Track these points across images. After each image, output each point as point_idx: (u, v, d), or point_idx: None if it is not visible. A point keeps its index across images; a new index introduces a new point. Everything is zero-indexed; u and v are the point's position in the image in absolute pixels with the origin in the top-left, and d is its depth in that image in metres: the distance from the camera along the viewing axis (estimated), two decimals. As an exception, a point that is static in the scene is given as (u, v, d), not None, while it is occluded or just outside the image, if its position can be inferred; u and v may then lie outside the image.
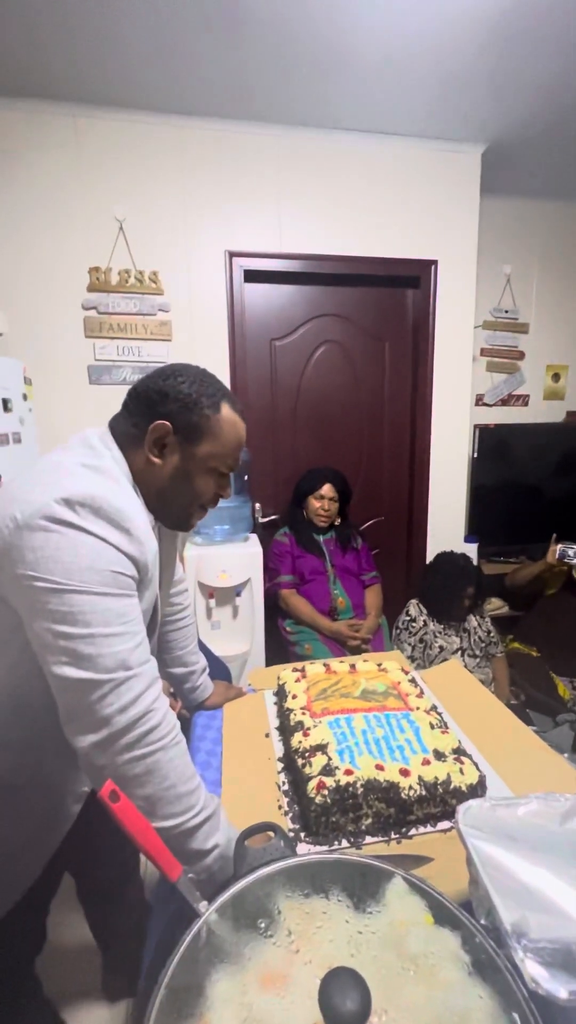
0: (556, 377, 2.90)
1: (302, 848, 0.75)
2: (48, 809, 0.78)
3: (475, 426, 2.60)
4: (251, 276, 2.18)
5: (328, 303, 2.35)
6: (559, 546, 2.17)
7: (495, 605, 2.70)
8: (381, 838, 0.77)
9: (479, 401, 2.79)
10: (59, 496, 0.61)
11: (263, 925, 0.50)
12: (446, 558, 2.25)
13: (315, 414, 2.43)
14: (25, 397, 1.81)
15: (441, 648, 2.15)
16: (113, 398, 2.06)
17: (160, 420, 0.73)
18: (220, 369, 2.16)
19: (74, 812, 0.81)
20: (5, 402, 1.65)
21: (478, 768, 0.83)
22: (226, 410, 0.77)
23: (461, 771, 0.81)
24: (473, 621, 2.21)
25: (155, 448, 0.75)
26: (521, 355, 2.81)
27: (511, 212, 2.69)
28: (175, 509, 0.80)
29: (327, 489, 2.15)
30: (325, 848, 0.75)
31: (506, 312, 2.76)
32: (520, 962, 0.46)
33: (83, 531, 0.61)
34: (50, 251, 1.98)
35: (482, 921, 0.53)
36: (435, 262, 2.30)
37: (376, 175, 2.20)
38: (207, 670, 1.16)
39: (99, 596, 0.61)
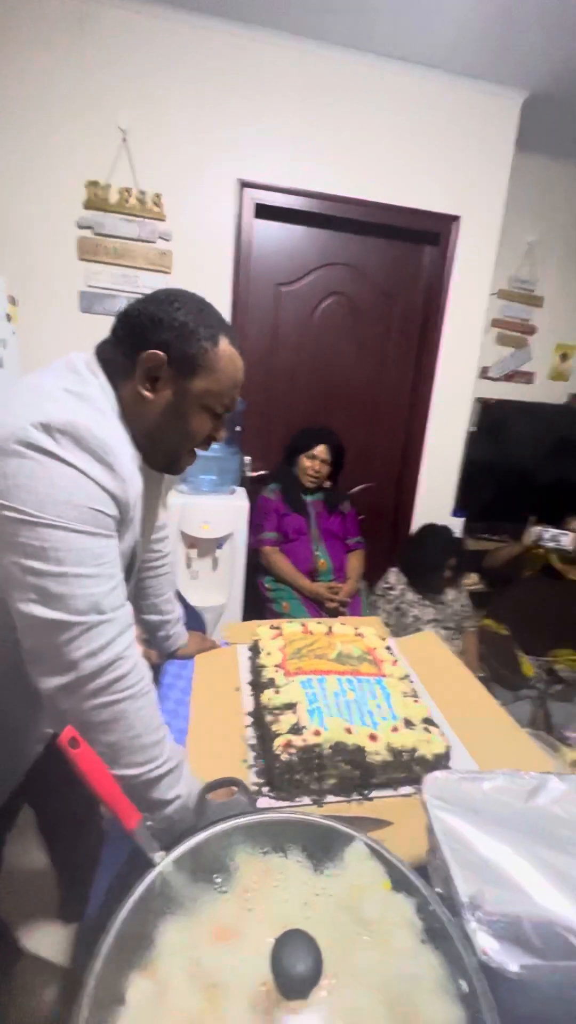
0: (564, 357, 2.83)
1: (264, 802, 0.75)
2: (8, 749, 0.76)
3: (477, 399, 2.54)
4: (262, 212, 2.03)
5: (340, 251, 2.22)
6: (536, 528, 2.17)
7: (472, 580, 2.74)
8: (343, 798, 0.77)
9: (484, 374, 2.71)
10: (37, 420, 0.56)
11: (219, 880, 0.49)
12: (430, 530, 2.25)
13: (316, 368, 2.33)
14: (9, 319, 1.69)
15: (416, 618, 2.17)
16: (106, 329, 1.94)
17: (153, 349, 0.67)
18: (222, 310, 2.04)
19: (35, 752, 0.80)
20: (-13, 321, 1.54)
21: (445, 739, 0.83)
22: (224, 344, 0.71)
23: (429, 741, 0.81)
24: (450, 594, 2.23)
25: (147, 380, 0.68)
26: (532, 330, 2.73)
27: (543, 174, 2.53)
28: (165, 449, 0.74)
29: (321, 450, 2.09)
30: (287, 804, 0.75)
31: (523, 283, 2.64)
32: (472, 933, 0.46)
33: (61, 461, 0.56)
34: (45, 156, 1.80)
35: (437, 889, 0.53)
36: (457, 218, 2.17)
37: (406, 112, 2.03)
38: (183, 620, 1.14)
39: (74, 533, 0.57)
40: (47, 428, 0.56)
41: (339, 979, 0.41)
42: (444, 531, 2.23)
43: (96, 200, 1.85)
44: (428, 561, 2.17)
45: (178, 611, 1.12)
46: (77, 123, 1.80)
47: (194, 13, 1.78)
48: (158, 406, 0.70)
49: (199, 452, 0.79)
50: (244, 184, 1.96)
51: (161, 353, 0.67)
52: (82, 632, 0.57)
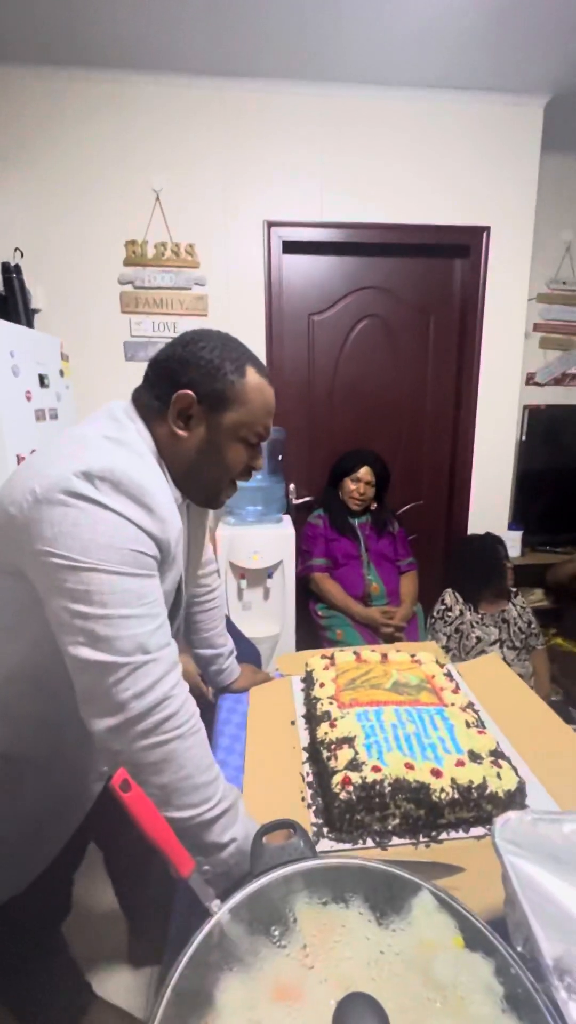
0: (617, 355, 2.68)
1: (324, 844, 0.72)
2: (70, 786, 0.77)
3: (524, 407, 2.44)
4: (290, 247, 2.10)
5: (370, 275, 2.24)
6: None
7: (537, 596, 2.58)
8: (409, 840, 0.73)
9: (530, 380, 2.61)
10: (79, 469, 0.58)
11: (277, 933, 0.46)
12: (471, 540, 2.18)
13: (353, 392, 2.34)
14: (62, 373, 1.81)
15: (478, 639, 2.06)
16: (148, 375, 2.05)
17: (183, 390, 0.69)
18: (256, 345, 2.10)
19: (96, 790, 0.81)
20: (42, 378, 1.66)
21: (517, 773, 0.77)
22: (252, 374, 0.72)
23: (499, 775, 0.75)
24: (513, 611, 2.11)
25: (180, 420, 0.71)
26: (578, 330, 2.61)
27: (574, 169, 2.47)
28: (205, 484, 0.76)
29: (364, 472, 2.07)
30: (348, 846, 0.72)
31: (564, 283, 2.55)
32: (563, 1003, 0.41)
33: (102, 507, 0.58)
34: (87, 224, 1.96)
35: (519, 949, 0.48)
36: (487, 229, 2.14)
37: (427, 135, 2.05)
38: (234, 653, 1.14)
39: (117, 575, 0.58)
40: (88, 476, 0.58)
41: (411, 1051, 0.38)
42: (486, 537, 2.15)
43: (135, 257, 1.98)
44: (476, 571, 2.09)
45: (230, 644, 1.12)
46: (115, 188, 1.95)
47: (216, 77, 1.90)
48: (193, 443, 0.71)
49: (242, 484, 0.80)
50: (271, 224, 2.04)
51: (191, 392, 0.69)
52: (129, 673, 0.58)
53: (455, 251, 2.22)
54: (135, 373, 2.03)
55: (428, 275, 2.27)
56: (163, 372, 0.72)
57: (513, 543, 2.30)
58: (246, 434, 0.73)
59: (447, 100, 2.02)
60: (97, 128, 1.91)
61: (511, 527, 2.44)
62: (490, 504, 2.44)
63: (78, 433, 0.67)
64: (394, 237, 2.12)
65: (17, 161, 1.89)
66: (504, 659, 1.95)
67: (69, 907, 0.92)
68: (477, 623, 2.09)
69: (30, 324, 1.88)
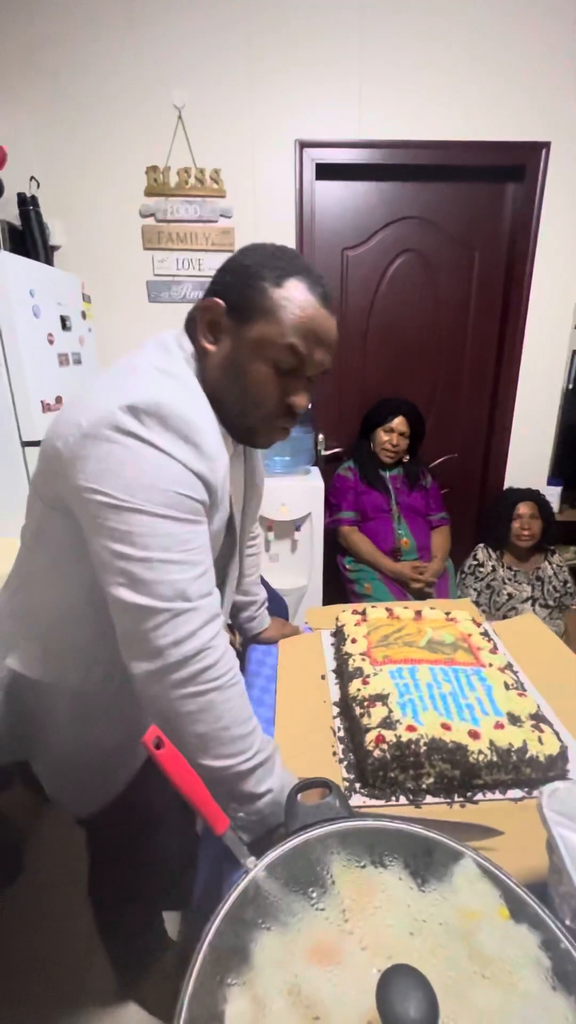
0: None
1: (356, 800, 0.71)
2: (139, 720, 0.77)
3: (573, 352, 2.26)
4: (323, 172, 1.91)
5: (411, 203, 2.04)
6: None
7: (572, 554, 2.49)
8: (443, 799, 0.71)
9: (581, 323, 2.40)
10: (125, 403, 0.55)
11: (314, 895, 0.45)
12: (503, 491, 2.19)
13: (389, 336, 2.19)
14: (84, 315, 1.74)
15: (510, 596, 2.02)
16: (174, 317, 1.95)
17: (211, 297, 0.64)
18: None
19: (134, 767, 0.81)
20: (64, 320, 1.59)
21: (560, 738, 0.74)
22: (293, 285, 0.62)
23: (540, 740, 0.72)
24: (549, 569, 2.05)
25: (209, 332, 0.65)
26: None
27: None
28: (233, 413, 0.67)
29: (399, 423, 1.97)
30: (381, 803, 0.71)
31: (629, 211, 2.28)
32: (618, 985, 0.39)
33: (148, 444, 0.55)
34: (105, 148, 1.81)
35: (567, 922, 0.46)
36: (547, 145, 1.90)
37: (475, 31, 1.79)
38: (267, 603, 1.13)
39: (160, 519, 0.56)
40: (134, 410, 0.55)
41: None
42: (518, 490, 2.08)
43: (157, 186, 1.84)
44: (496, 513, 2.04)
45: (263, 594, 1.11)
46: (133, 107, 1.79)
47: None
48: (218, 359, 0.66)
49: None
50: (303, 145, 1.85)
51: (220, 300, 0.64)
52: (168, 619, 0.56)
53: (508, 174, 2.00)
54: (159, 316, 1.97)
55: (475, 203, 2.06)
56: (209, 286, 0.67)
57: (552, 499, 2.19)
58: (274, 354, 0.63)
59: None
60: (111, 39, 1.72)
61: (551, 482, 2.32)
62: (530, 458, 2.32)
63: (129, 363, 0.63)
64: (438, 158, 1.91)
65: (27, 79, 1.74)
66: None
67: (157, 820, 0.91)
68: (509, 579, 2.03)
69: (49, 261, 1.79)
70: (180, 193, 1.85)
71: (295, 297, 0.63)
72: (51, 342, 1.51)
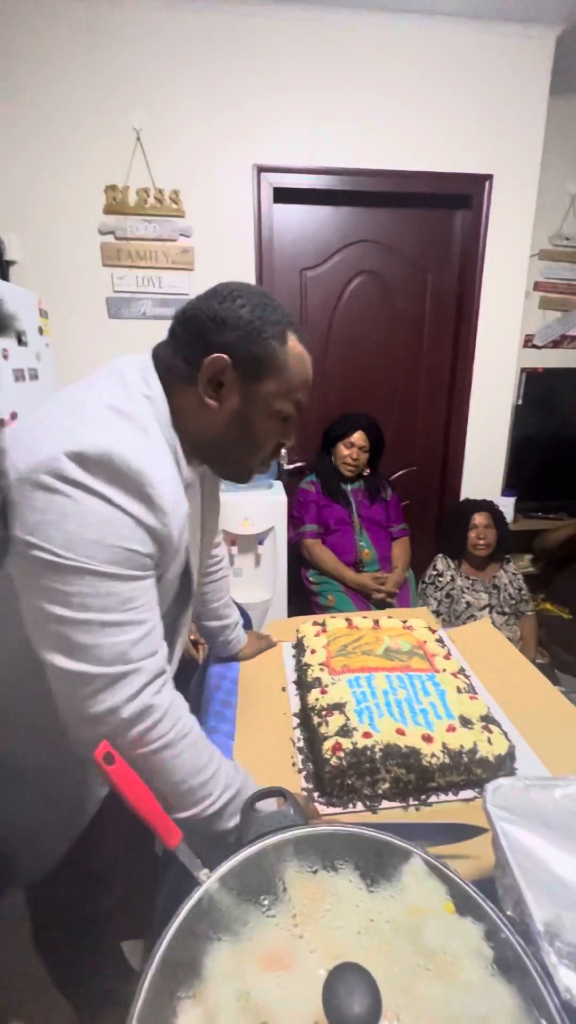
0: (618, 316, 2.60)
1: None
2: (75, 792, 0.72)
3: (522, 370, 2.38)
4: (281, 195, 1.98)
5: (366, 227, 2.13)
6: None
7: (525, 562, 2.60)
8: (399, 804, 0.73)
9: (528, 342, 2.54)
10: (71, 449, 0.51)
11: (266, 902, 0.46)
12: (459, 503, 2.27)
13: (348, 354, 2.26)
14: (41, 331, 1.72)
15: (468, 604, 2.08)
16: (134, 333, 1.96)
17: (217, 352, 0.61)
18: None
19: (102, 794, 0.76)
20: (20, 335, 1.57)
21: (507, 738, 0.77)
22: (293, 341, 0.65)
23: (489, 740, 0.75)
24: (504, 577, 2.12)
25: (210, 387, 0.63)
26: (580, 290, 2.52)
27: (584, 117, 2.33)
28: (234, 460, 0.69)
29: (358, 437, 2.02)
30: (339, 810, 0.72)
31: (567, 240, 2.45)
32: (552, 967, 0.41)
33: (94, 495, 0.51)
34: (64, 166, 1.82)
35: (508, 912, 0.48)
36: (490, 177, 2.03)
37: (425, 69, 1.91)
38: (240, 623, 1.11)
39: (103, 578, 0.52)
40: (80, 459, 0.51)
41: (400, 1018, 0.37)
42: (474, 501, 2.17)
43: (115, 204, 1.85)
44: (451, 523, 2.12)
45: (235, 616, 1.09)
46: (91, 128, 1.81)
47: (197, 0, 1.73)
48: (224, 415, 0.64)
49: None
50: (261, 169, 1.91)
51: (226, 356, 0.61)
52: (106, 685, 0.53)
53: (456, 202, 2.11)
54: (120, 332, 1.97)
55: (427, 229, 2.17)
56: (194, 330, 0.63)
57: (505, 509, 2.29)
58: (282, 407, 0.66)
59: (449, 28, 1.87)
60: (70, 58, 1.74)
61: (505, 493, 2.43)
62: (484, 470, 2.42)
63: (78, 398, 0.58)
64: (391, 185, 2.00)
65: (-16, 95, 1.73)
66: (493, 623, 1.98)
67: (118, 886, 0.90)
68: (468, 588, 2.10)
69: (5, 277, 1.77)
70: (139, 212, 1.87)
71: (297, 352, 0.65)
72: (5, 357, 1.49)
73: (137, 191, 1.86)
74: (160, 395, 0.62)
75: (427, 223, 2.16)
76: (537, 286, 2.47)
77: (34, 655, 0.55)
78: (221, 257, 1.97)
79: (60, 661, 0.52)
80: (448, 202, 2.11)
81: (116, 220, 1.87)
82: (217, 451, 0.66)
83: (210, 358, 0.61)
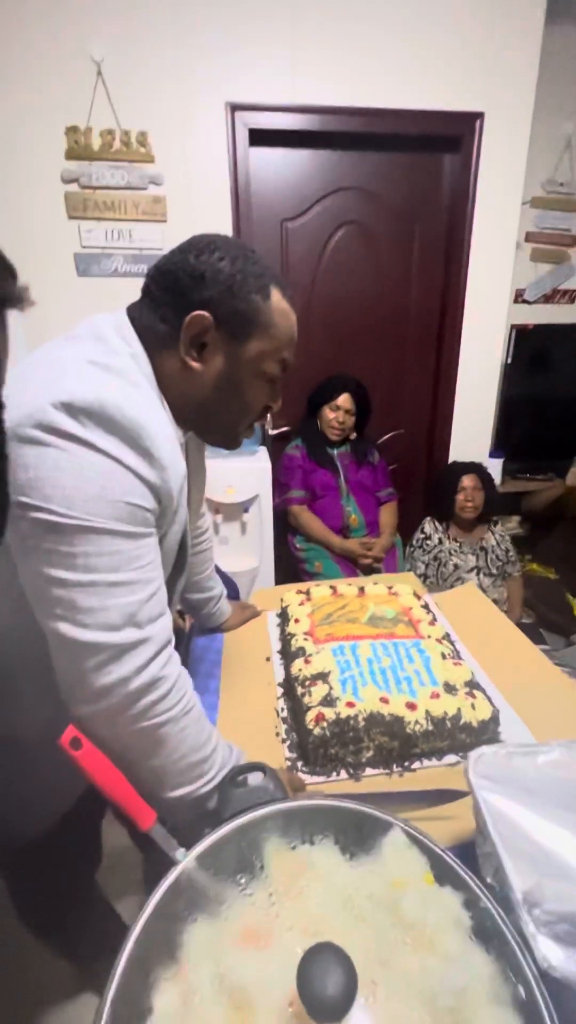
0: (611, 268, 2.52)
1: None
2: (67, 764, 0.72)
3: (512, 326, 2.31)
4: (258, 138, 1.84)
5: (350, 174, 2.00)
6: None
7: (513, 524, 2.60)
8: (382, 771, 0.73)
9: (518, 297, 2.46)
10: (58, 399, 0.47)
11: (243, 880, 0.45)
12: (448, 465, 2.23)
13: (332, 310, 2.16)
14: (5, 291, 1.61)
15: (456, 566, 2.09)
16: (106, 292, 1.85)
17: (198, 311, 0.57)
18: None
19: None
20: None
21: (492, 703, 0.77)
22: (277, 296, 0.60)
23: (473, 706, 0.75)
24: (492, 539, 2.12)
25: (193, 348, 0.59)
26: (573, 241, 2.43)
27: (581, 47, 2.17)
28: (222, 425, 0.66)
29: (344, 399, 1.97)
30: (322, 779, 0.72)
31: (561, 185, 2.33)
32: (531, 936, 0.41)
33: (90, 447, 0.48)
34: (16, 104, 1.66)
35: (488, 880, 0.48)
36: (481, 115, 1.90)
37: (412, 3, 1.75)
38: (224, 595, 1.09)
39: (108, 535, 0.49)
40: (70, 408, 0.47)
41: (379, 992, 0.37)
42: (462, 463, 2.14)
43: (78, 148, 1.71)
44: (440, 487, 2.10)
45: (220, 587, 1.07)
46: (47, 62, 1.64)
47: None
48: (209, 377, 0.60)
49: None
50: (235, 107, 1.76)
51: (207, 314, 0.57)
52: (114, 657, 0.50)
53: (444, 144, 1.98)
54: (90, 291, 1.85)
55: (413, 174, 2.04)
56: (171, 287, 0.58)
57: (493, 471, 2.27)
58: (269, 367, 0.63)
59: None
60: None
61: (492, 454, 2.40)
62: (472, 432, 2.38)
63: (54, 356, 0.53)
64: (376, 125, 1.87)
65: None
66: (480, 586, 1.99)
67: (100, 855, 0.93)
68: (455, 551, 2.10)
69: (-37, 232, 1.64)
70: (105, 157, 1.73)
71: (281, 309, 0.61)
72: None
73: (101, 133, 1.71)
74: (143, 354, 0.58)
75: (414, 169, 2.03)
76: (528, 237, 2.37)
77: (26, 624, 0.53)
78: (195, 207, 1.84)
79: (66, 629, 0.49)
80: (436, 144, 1.98)
81: (80, 166, 1.73)
82: (203, 416, 0.63)
83: (191, 316, 0.57)
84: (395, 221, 2.09)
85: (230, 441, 0.69)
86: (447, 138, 1.96)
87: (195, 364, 0.59)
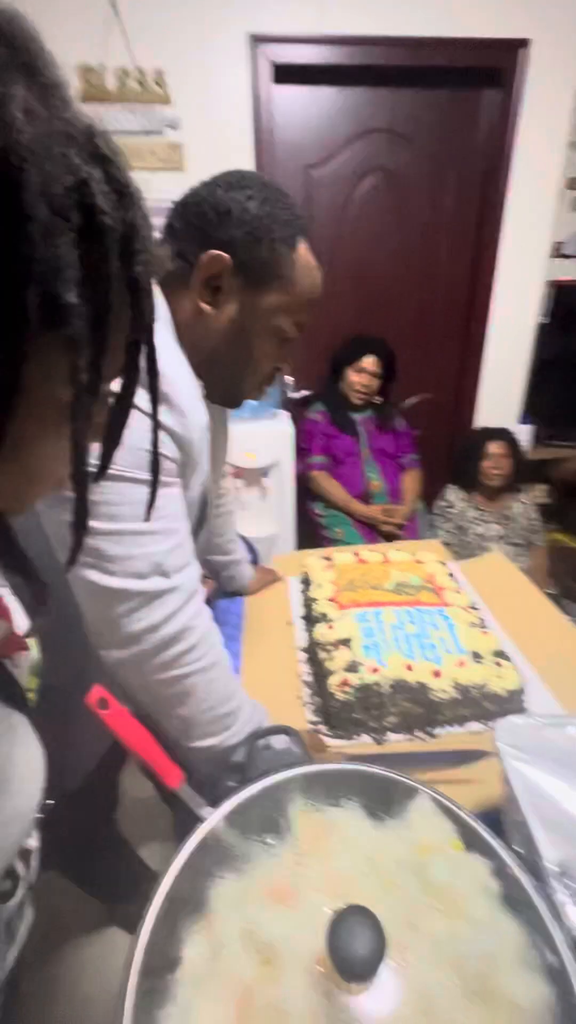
0: None
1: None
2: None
3: (549, 283, 2.18)
4: (282, 75, 1.71)
5: (379, 114, 1.86)
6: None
7: (539, 492, 2.53)
8: (405, 736, 0.72)
9: (557, 251, 2.30)
10: None
11: (270, 840, 0.45)
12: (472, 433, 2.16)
13: (358, 265, 2.06)
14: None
15: (479, 535, 2.05)
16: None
17: (216, 250, 0.54)
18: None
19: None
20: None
21: (519, 673, 0.75)
22: (303, 248, 0.57)
23: (499, 675, 0.73)
24: (517, 508, 2.07)
25: (207, 290, 0.56)
26: (621, 187, 2.24)
27: None
28: (225, 378, 0.63)
29: (370, 362, 1.90)
30: (345, 742, 0.72)
31: (611, 124, 2.14)
32: (561, 906, 0.40)
33: None
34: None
35: (516, 849, 0.47)
36: (526, 43, 1.73)
37: None
38: (247, 558, 1.09)
39: (131, 483, 0.49)
40: None
41: (406, 955, 0.37)
42: (489, 429, 2.06)
43: (92, 89, 1.62)
44: (466, 453, 2.04)
45: (242, 550, 1.07)
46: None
47: None
48: (219, 325, 0.58)
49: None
50: (258, 39, 1.64)
51: (226, 255, 0.54)
52: (143, 603, 0.51)
53: (483, 78, 1.82)
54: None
55: (449, 114, 1.89)
56: (194, 220, 0.56)
57: (523, 437, 2.19)
58: (283, 324, 0.60)
59: None
60: None
61: (522, 420, 2.31)
62: (501, 396, 2.28)
63: None
64: (409, 58, 1.72)
65: None
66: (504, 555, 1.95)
67: (117, 800, 1.00)
68: (479, 519, 2.06)
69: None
70: (120, 99, 1.64)
71: (306, 263, 0.57)
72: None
73: (115, 72, 1.62)
74: (159, 296, 0.55)
75: (449, 107, 1.88)
76: (572, 184, 2.19)
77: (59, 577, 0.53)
78: (214, 153, 1.74)
79: (95, 577, 0.50)
80: (473, 78, 1.82)
81: (93, 109, 1.64)
82: (208, 367, 0.60)
83: (209, 255, 0.54)
84: (427, 167, 1.95)
85: (231, 398, 0.66)
86: (486, 70, 1.80)
87: (207, 307, 0.57)
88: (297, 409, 2.13)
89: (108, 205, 0.20)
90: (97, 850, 1.00)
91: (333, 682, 0.73)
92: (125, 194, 0.22)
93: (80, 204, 0.19)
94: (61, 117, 0.20)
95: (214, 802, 0.47)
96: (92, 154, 0.20)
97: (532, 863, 0.44)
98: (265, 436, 1.87)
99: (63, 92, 0.20)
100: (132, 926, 0.40)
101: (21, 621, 0.39)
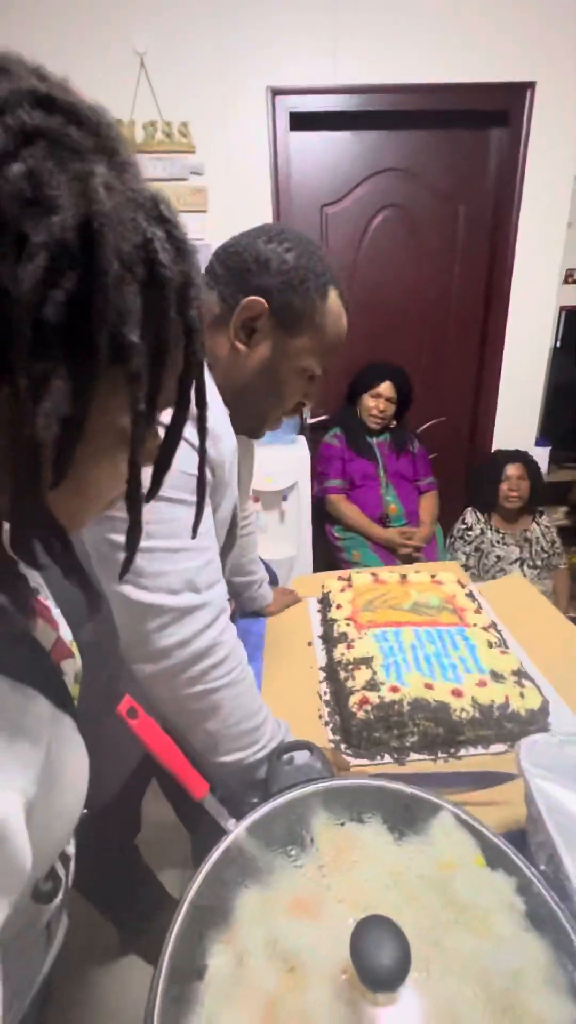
0: None
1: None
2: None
3: (561, 308, 2.21)
4: (298, 122, 1.81)
5: (390, 154, 1.95)
6: None
7: (560, 515, 2.50)
8: (427, 756, 0.72)
9: (569, 278, 2.34)
10: None
11: (293, 853, 0.46)
12: (489, 456, 2.17)
13: (373, 298, 2.13)
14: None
15: (499, 558, 2.03)
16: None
17: (255, 296, 0.59)
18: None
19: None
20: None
21: (541, 692, 0.75)
22: (333, 297, 0.62)
23: (522, 695, 0.73)
24: (537, 530, 2.05)
25: (243, 331, 0.61)
26: (630, 216, 2.29)
27: None
28: (252, 412, 0.67)
29: (385, 387, 1.94)
30: (365, 762, 0.72)
31: (618, 156, 2.20)
32: (589, 924, 0.40)
33: None
34: (65, 102, 1.70)
35: (542, 867, 0.47)
36: (531, 85, 1.81)
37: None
38: (267, 580, 1.11)
39: (167, 503, 0.51)
40: None
41: (431, 970, 0.37)
42: (506, 452, 2.07)
43: (122, 142, 1.74)
44: (484, 476, 2.04)
45: (262, 571, 1.10)
46: (92, 56, 1.67)
47: None
48: (252, 363, 0.62)
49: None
50: (276, 92, 1.75)
51: (263, 301, 0.59)
52: (175, 619, 0.53)
53: (491, 119, 1.90)
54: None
55: (457, 153, 1.97)
56: (235, 267, 0.61)
57: (540, 460, 2.19)
58: (310, 365, 0.64)
59: None
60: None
61: (539, 443, 2.31)
62: (518, 419, 2.29)
63: None
64: (419, 102, 1.81)
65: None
66: (524, 578, 1.93)
67: (139, 826, 1.01)
68: (498, 542, 2.04)
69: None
70: (148, 149, 1.75)
71: (335, 312, 0.63)
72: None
73: (144, 125, 1.74)
74: None
75: (458, 146, 1.96)
76: (581, 213, 2.25)
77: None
78: (235, 196, 1.84)
79: (130, 591, 0.52)
80: (482, 120, 1.90)
81: (124, 160, 1.76)
82: (237, 401, 0.64)
83: (247, 300, 0.59)
84: (438, 203, 2.03)
85: (255, 430, 0.70)
86: (494, 112, 1.88)
87: (241, 346, 0.61)
88: (314, 434, 2.17)
89: (168, 259, 0.23)
90: (119, 874, 1.00)
91: (353, 701, 0.73)
92: (182, 250, 0.25)
93: (146, 259, 0.23)
94: (132, 188, 0.23)
95: (237, 818, 0.48)
96: (156, 217, 0.24)
97: (557, 882, 0.44)
98: (283, 460, 1.91)
99: (135, 169, 0.24)
100: (149, 955, 0.40)
101: (65, 632, 0.42)
